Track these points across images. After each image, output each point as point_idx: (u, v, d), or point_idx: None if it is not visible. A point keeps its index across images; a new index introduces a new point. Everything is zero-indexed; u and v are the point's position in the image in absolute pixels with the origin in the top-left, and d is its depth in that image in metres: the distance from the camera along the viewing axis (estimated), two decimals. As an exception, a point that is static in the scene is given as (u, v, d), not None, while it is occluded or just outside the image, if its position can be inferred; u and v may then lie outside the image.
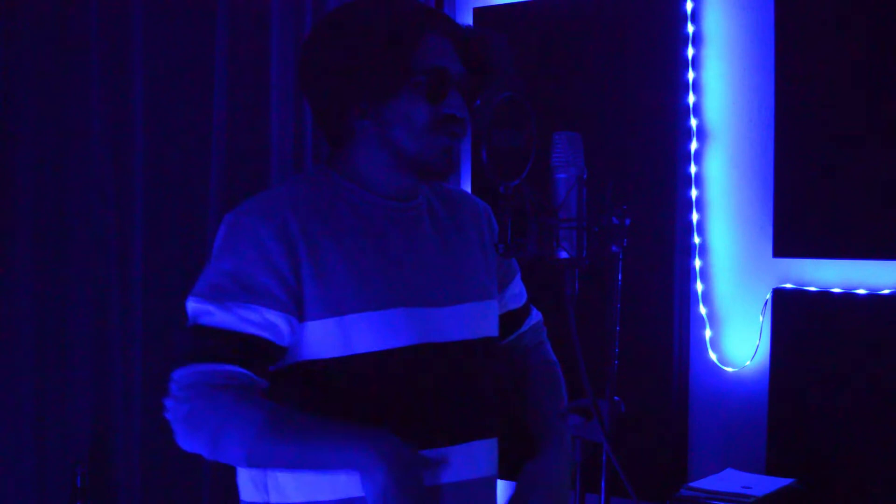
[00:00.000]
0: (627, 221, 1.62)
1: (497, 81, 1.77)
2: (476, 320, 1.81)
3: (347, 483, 1.65)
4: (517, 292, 2.00)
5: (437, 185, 1.91)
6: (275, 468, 1.64)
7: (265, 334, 1.63)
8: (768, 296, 3.23)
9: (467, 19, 3.77)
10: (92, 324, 2.74)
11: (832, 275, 3.14)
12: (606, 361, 1.64)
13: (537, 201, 1.61)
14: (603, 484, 1.68)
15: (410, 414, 1.69)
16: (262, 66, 3.18)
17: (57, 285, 2.68)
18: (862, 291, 3.07)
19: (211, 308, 1.63)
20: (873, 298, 3.05)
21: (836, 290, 3.12)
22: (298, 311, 1.65)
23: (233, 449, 1.58)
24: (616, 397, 1.63)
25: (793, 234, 3.19)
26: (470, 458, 1.76)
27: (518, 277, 1.99)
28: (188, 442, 1.62)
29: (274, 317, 1.63)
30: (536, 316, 2.05)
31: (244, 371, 1.61)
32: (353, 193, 1.75)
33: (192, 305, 1.66)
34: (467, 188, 3.80)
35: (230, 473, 3.01)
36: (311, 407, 1.67)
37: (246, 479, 1.74)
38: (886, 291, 3.05)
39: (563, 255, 1.61)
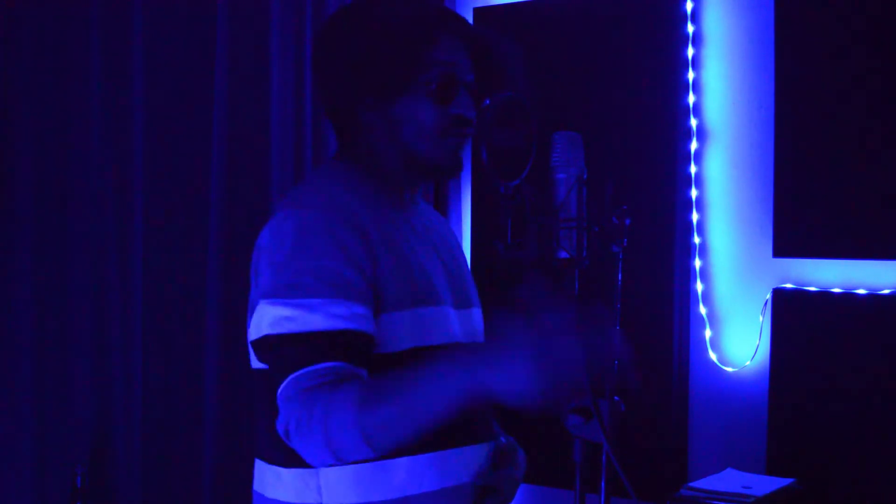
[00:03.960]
0: (627, 221, 1.62)
1: (505, 84, 1.76)
2: (478, 325, 1.82)
3: (403, 481, 1.63)
4: None
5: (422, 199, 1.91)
6: (397, 438, 1.50)
7: (355, 325, 1.55)
8: (768, 296, 3.23)
9: (467, 19, 3.76)
10: (92, 324, 2.75)
11: (832, 275, 3.14)
12: (606, 361, 1.63)
13: (537, 201, 1.61)
14: (603, 484, 1.68)
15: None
16: (262, 66, 3.18)
17: (57, 285, 2.69)
18: (862, 291, 3.07)
19: (295, 313, 1.54)
20: (873, 298, 3.05)
21: (836, 290, 3.12)
22: (377, 302, 1.60)
23: (346, 438, 1.46)
24: (616, 397, 1.63)
25: (793, 234, 3.19)
26: (479, 461, 1.76)
27: None
28: (311, 455, 1.51)
29: (360, 309, 1.56)
30: None
31: (339, 364, 1.52)
32: (384, 191, 1.74)
33: (271, 311, 1.57)
34: (467, 188, 3.80)
35: (230, 474, 3.02)
36: None
37: (291, 478, 1.67)
38: (886, 291, 3.04)
39: (563, 255, 1.61)
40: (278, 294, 1.56)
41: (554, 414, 1.38)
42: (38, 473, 2.63)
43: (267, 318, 1.57)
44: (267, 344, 1.57)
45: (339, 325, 1.54)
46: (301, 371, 1.52)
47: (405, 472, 1.63)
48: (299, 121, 3.30)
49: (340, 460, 1.50)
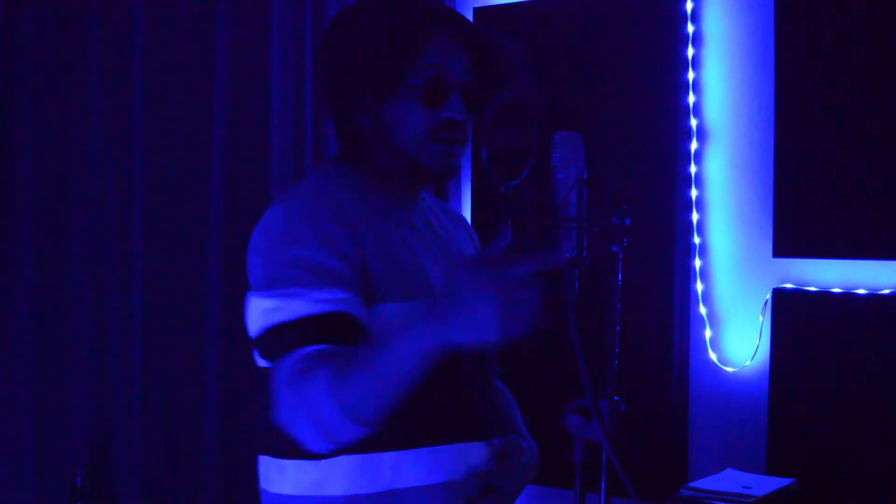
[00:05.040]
0: (627, 221, 1.62)
1: (505, 83, 1.76)
2: None
3: (389, 475, 1.63)
4: None
5: (434, 197, 1.91)
6: (376, 407, 1.46)
7: (340, 307, 1.55)
8: (768, 296, 3.23)
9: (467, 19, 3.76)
10: (92, 324, 2.74)
11: (832, 275, 3.14)
12: (606, 361, 1.64)
13: (537, 201, 1.61)
14: (603, 484, 1.69)
15: (445, 406, 1.65)
16: (262, 66, 3.18)
17: (57, 285, 2.68)
18: (862, 291, 3.07)
19: (280, 303, 1.56)
20: (873, 298, 3.05)
21: (836, 290, 3.12)
22: (366, 293, 1.60)
23: (328, 414, 1.45)
24: (616, 397, 1.63)
25: (793, 234, 3.19)
26: (470, 459, 1.75)
27: None
28: (308, 441, 1.50)
29: (345, 294, 1.56)
30: None
31: (325, 346, 1.52)
32: (380, 189, 1.74)
33: (258, 304, 1.59)
34: (467, 188, 3.80)
35: (231, 473, 3.02)
36: None
37: (291, 470, 1.68)
38: (886, 291, 3.04)
39: (564, 255, 1.61)
40: (263, 287, 1.59)
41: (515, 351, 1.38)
42: (38, 473, 2.63)
43: (257, 312, 1.59)
44: (262, 338, 1.59)
45: (323, 308, 1.55)
46: (289, 358, 1.53)
47: (391, 467, 1.63)
48: (299, 121, 3.30)
49: (336, 442, 1.49)
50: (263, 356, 1.61)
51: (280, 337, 1.55)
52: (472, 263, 1.35)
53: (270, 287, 1.58)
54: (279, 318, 1.56)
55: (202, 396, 3.01)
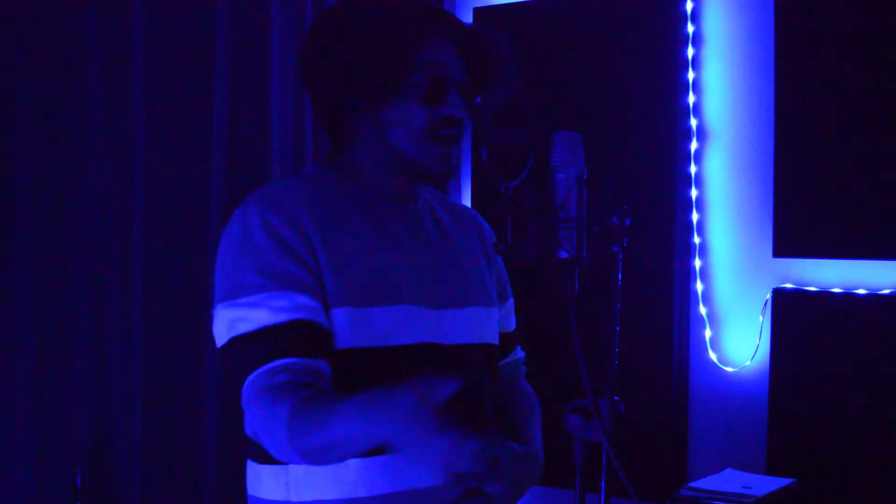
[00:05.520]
0: (627, 221, 1.62)
1: (498, 81, 1.76)
2: (478, 325, 1.80)
3: (354, 482, 1.63)
4: (510, 316, 1.96)
5: (441, 195, 1.91)
6: (331, 461, 1.54)
7: (301, 315, 1.58)
8: (768, 296, 3.23)
9: (467, 19, 3.77)
10: (92, 324, 2.74)
11: (832, 275, 3.15)
12: (606, 361, 1.64)
13: (537, 201, 1.61)
14: (603, 484, 1.68)
15: None
16: (262, 66, 3.18)
17: (57, 285, 2.68)
18: (862, 291, 3.08)
19: (243, 313, 1.59)
20: (873, 298, 3.05)
21: (836, 290, 3.12)
22: (324, 296, 1.62)
23: (288, 454, 1.53)
24: (616, 397, 1.63)
25: (793, 234, 3.19)
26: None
27: (512, 303, 1.96)
28: (280, 454, 1.55)
29: (306, 300, 1.59)
30: (521, 353, 2.02)
31: (291, 360, 1.56)
32: (357, 192, 1.74)
33: (224, 314, 1.61)
34: (467, 188, 3.80)
35: (230, 474, 3.02)
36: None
37: (266, 475, 1.70)
38: (886, 291, 3.05)
39: (563, 255, 1.61)
40: (227, 296, 1.61)
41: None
42: (38, 473, 2.63)
43: (224, 323, 1.61)
44: (227, 349, 1.62)
45: (284, 317, 1.57)
46: (255, 372, 1.56)
47: (356, 474, 1.63)
48: (299, 121, 3.30)
49: (298, 462, 1.55)
50: (231, 368, 1.62)
51: (244, 350, 1.58)
52: (445, 413, 1.36)
53: (234, 296, 1.60)
54: (243, 328, 1.59)
55: (202, 396, 3.01)
